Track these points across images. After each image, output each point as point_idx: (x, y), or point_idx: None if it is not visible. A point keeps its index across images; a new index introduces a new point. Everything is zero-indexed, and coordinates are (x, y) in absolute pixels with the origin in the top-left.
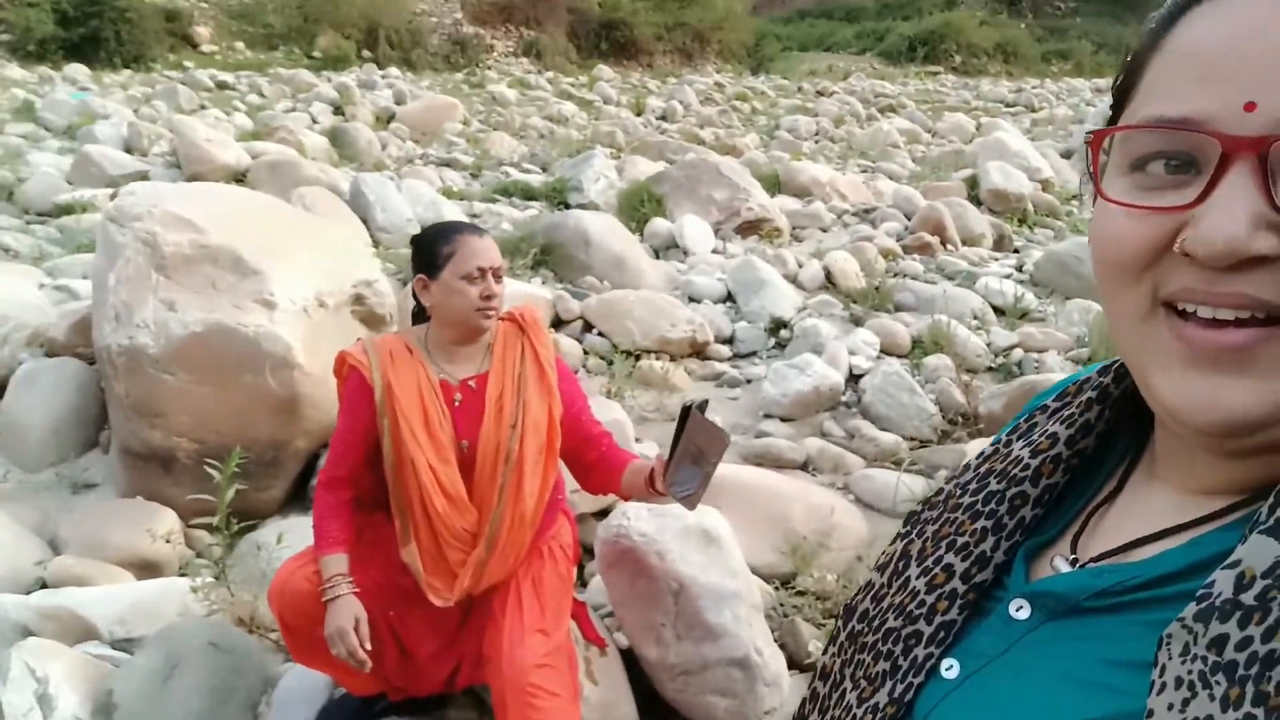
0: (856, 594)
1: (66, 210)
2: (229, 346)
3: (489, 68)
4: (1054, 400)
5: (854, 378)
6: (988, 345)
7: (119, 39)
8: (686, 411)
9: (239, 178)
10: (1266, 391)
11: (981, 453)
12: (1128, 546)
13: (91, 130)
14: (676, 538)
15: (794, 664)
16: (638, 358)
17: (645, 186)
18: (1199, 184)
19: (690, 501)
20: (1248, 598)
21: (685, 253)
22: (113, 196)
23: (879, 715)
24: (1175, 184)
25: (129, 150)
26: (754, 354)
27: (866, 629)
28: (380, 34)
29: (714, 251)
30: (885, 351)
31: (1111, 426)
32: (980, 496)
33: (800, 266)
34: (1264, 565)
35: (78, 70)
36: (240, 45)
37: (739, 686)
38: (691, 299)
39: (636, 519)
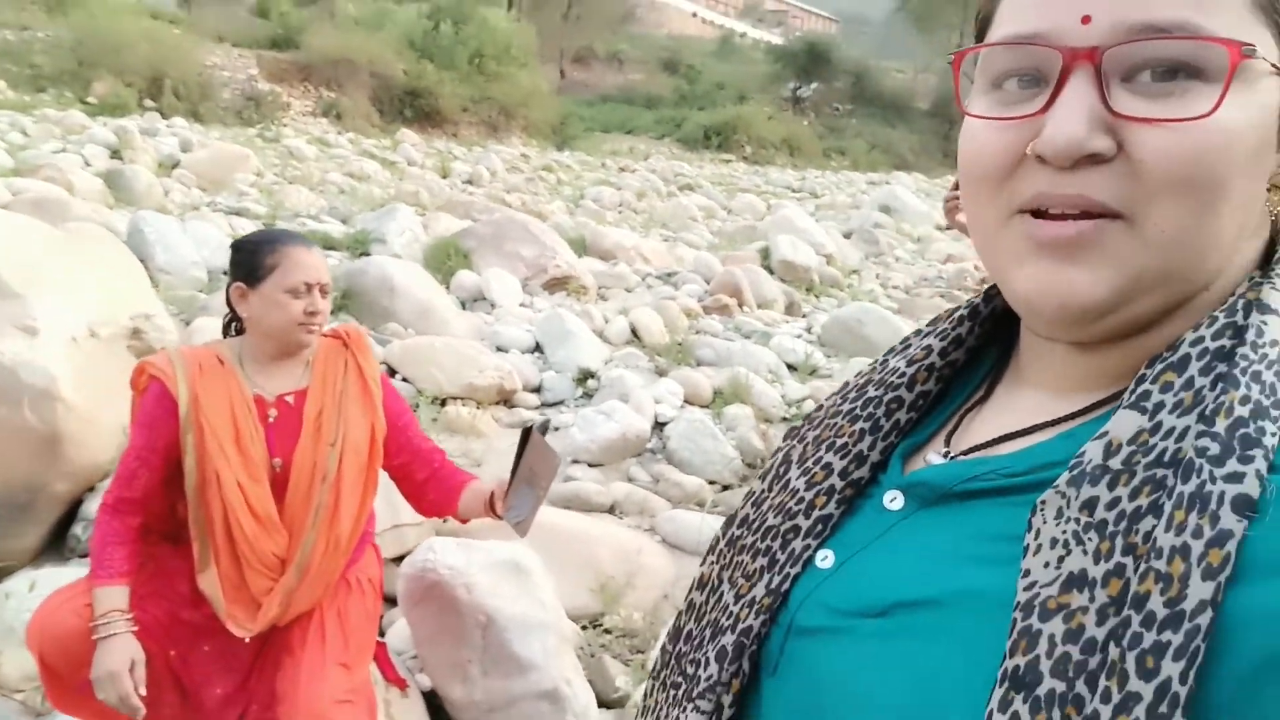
0: (740, 505)
1: None
2: None
3: (285, 125)
4: (929, 325)
5: (659, 425)
6: (782, 397)
7: None
8: (527, 433)
9: None
10: (1103, 278)
11: (860, 370)
12: (998, 440)
13: None
14: (485, 570)
15: (602, 701)
16: (443, 404)
17: (452, 241)
18: (1046, 94)
19: (522, 527)
20: (1115, 463)
21: (493, 305)
22: None
23: (755, 608)
24: (1028, 97)
25: None
26: (561, 402)
27: (746, 532)
28: (166, 84)
29: (521, 305)
30: (689, 401)
31: (981, 342)
32: (859, 403)
33: (606, 321)
34: (1128, 434)
35: None
36: (2, 84)
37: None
38: (499, 348)
39: (444, 552)
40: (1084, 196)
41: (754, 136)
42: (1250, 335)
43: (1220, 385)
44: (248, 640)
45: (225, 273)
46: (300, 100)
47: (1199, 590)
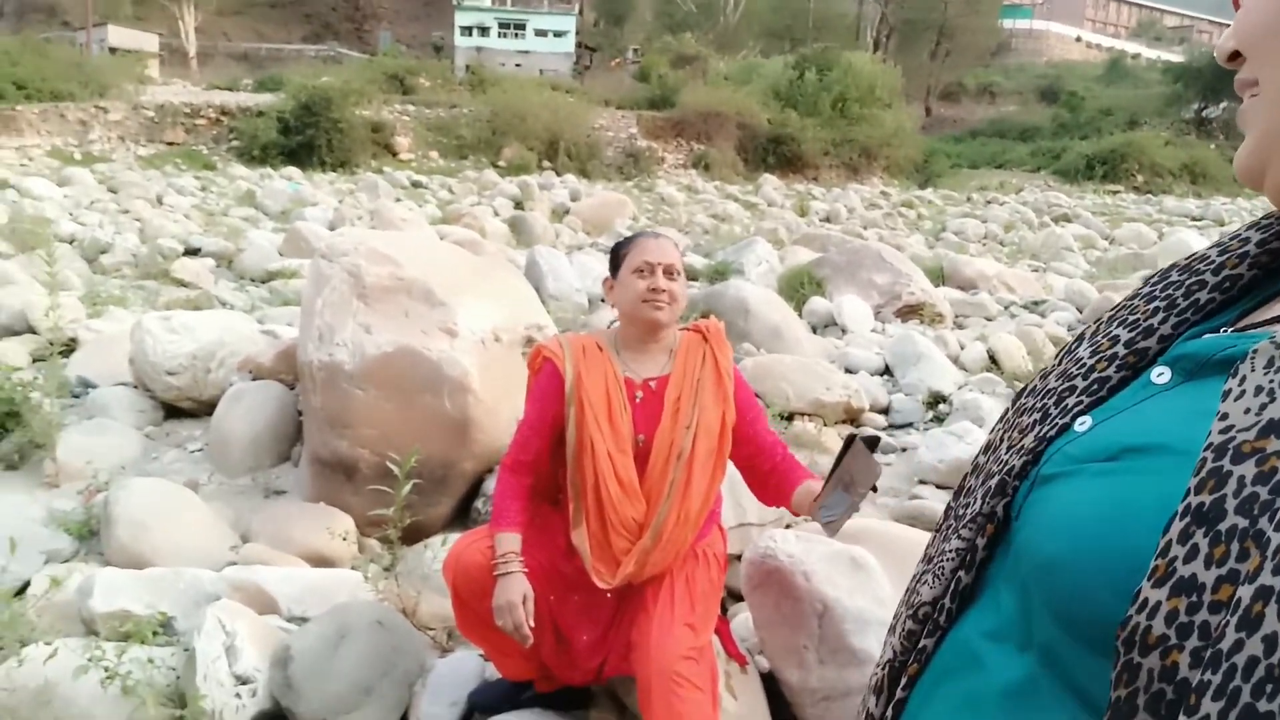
0: (1031, 378)
1: (276, 275)
2: (414, 367)
3: (659, 177)
4: (1262, 217)
5: None
6: None
7: (330, 146)
8: (850, 440)
9: None
10: (1250, 144)
11: (1174, 262)
12: (1276, 319)
13: (302, 213)
14: (824, 561)
15: None
16: (790, 419)
17: (806, 269)
18: None
19: (832, 527)
20: None
21: (843, 330)
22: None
23: (1022, 455)
24: None
25: (332, 228)
26: (910, 424)
27: (1031, 399)
28: (560, 146)
29: (872, 331)
30: None
31: None
32: (1159, 286)
33: (962, 348)
34: None
35: (291, 171)
36: (434, 154)
37: None
38: (848, 369)
39: (784, 541)
40: (1240, 79)
41: (1147, 164)
42: None
43: None
44: (609, 594)
45: (602, 300)
46: (673, 154)
47: None
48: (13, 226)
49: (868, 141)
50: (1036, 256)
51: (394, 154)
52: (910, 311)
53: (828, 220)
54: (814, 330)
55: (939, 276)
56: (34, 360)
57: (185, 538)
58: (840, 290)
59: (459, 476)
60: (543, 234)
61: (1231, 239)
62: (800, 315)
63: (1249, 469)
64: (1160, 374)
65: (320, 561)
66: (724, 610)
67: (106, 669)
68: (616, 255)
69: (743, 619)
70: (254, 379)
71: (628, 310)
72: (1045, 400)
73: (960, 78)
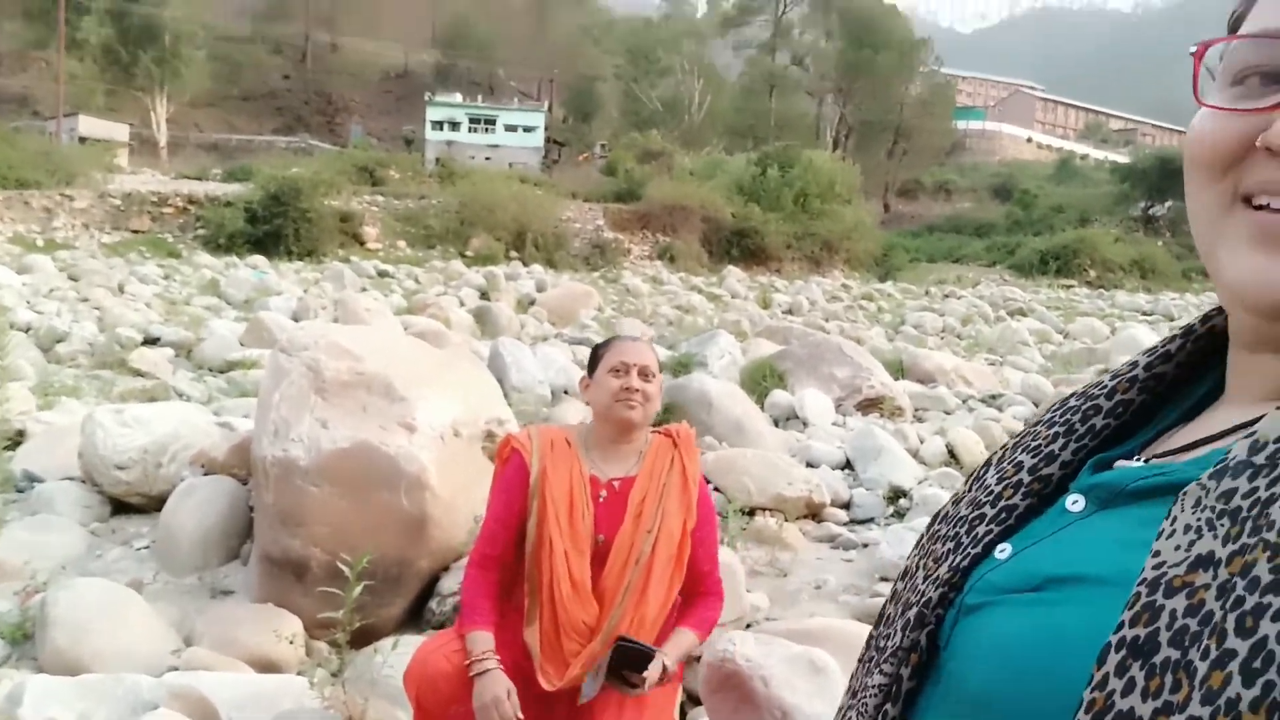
0: (945, 504)
1: (236, 365)
2: (370, 463)
3: (625, 268)
4: (1146, 348)
5: None
6: None
7: (297, 235)
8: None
9: None
10: None
11: (1072, 389)
12: (1185, 449)
13: (265, 302)
14: (783, 664)
15: None
16: (752, 514)
17: (768, 362)
18: None
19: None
20: (1259, 458)
21: (805, 423)
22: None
23: (938, 585)
24: (1267, 93)
25: (296, 319)
26: (871, 520)
27: (943, 525)
28: (528, 237)
29: (834, 424)
30: None
31: (1195, 360)
32: (1059, 412)
33: (922, 442)
34: (1276, 432)
35: (258, 259)
36: (402, 244)
37: None
38: (809, 463)
39: (742, 643)
40: None
41: (1099, 259)
42: None
43: None
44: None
45: (566, 391)
46: (639, 245)
47: None
48: None
49: (829, 235)
50: (993, 350)
51: (361, 243)
52: (871, 405)
53: (790, 312)
54: (776, 423)
55: (899, 370)
56: None
57: (125, 641)
58: (802, 383)
59: (414, 575)
60: (508, 325)
61: (1124, 364)
62: (762, 408)
63: (1180, 602)
64: (1075, 502)
65: (266, 666)
66: (682, 716)
67: None
68: (595, 356)
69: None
70: (206, 474)
71: (601, 409)
72: (957, 529)
73: (917, 175)
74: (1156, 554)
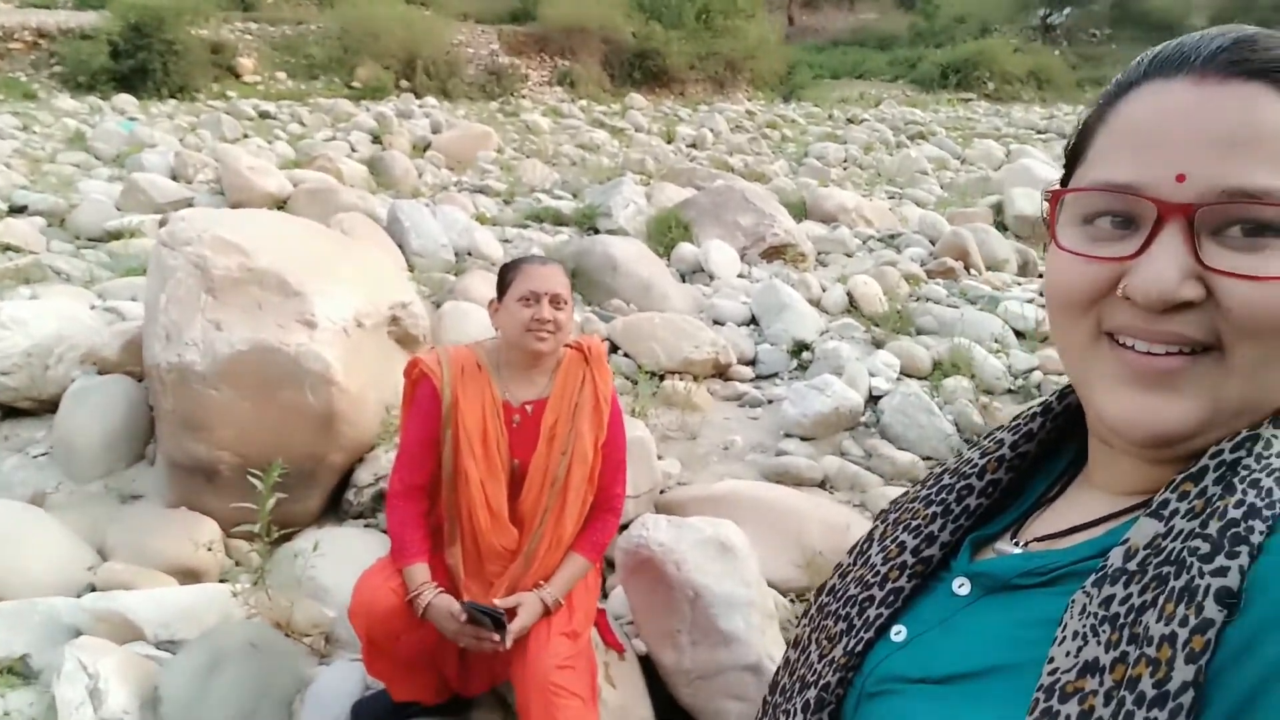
0: (830, 576)
1: (116, 236)
2: (272, 364)
3: (524, 96)
4: (1009, 421)
5: (873, 399)
6: (1008, 368)
7: (166, 70)
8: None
9: (280, 204)
10: (1191, 409)
11: (943, 462)
12: (1058, 535)
13: (139, 159)
14: (694, 548)
15: None
16: (662, 378)
17: (673, 213)
18: (1138, 239)
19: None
20: (1132, 565)
21: (711, 277)
22: (161, 223)
23: (834, 667)
24: (1119, 237)
25: (175, 178)
26: (776, 375)
27: (832, 600)
28: (418, 65)
29: (739, 276)
30: (905, 373)
31: (1054, 437)
32: (934, 489)
33: (824, 290)
34: (1145, 540)
35: (126, 101)
36: (282, 75)
37: (751, 691)
38: (716, 321)
39: (655, 529)
40: (1175, 333)
41: (997, 72)
42: (1258, 447)
43: (1223, 492)
44: None
45: (469, 253)
46: (537, 71)
47: (1182, 673)
48: None
49: (732, 54)
50: (893, 181)
51: (237, 76)
52: (775, 253)
53: (694, 146)
54: (682, 278)
55: (801, 210)
56: None
57: (37, 562)
58: (707, 233)
59: (327, 470)
60: (404, 175)
61: (987, 439)
62: (669, 262)
63: (1073, 708)
64: (960, 585)
65: (187, 575)
66: (603, 592)
67: None
68: (503, 278)
69: (619, 594)
70: (99, 373)
71: (512, 338)
72: (848, 609)
73: None
74: (1051, 660)
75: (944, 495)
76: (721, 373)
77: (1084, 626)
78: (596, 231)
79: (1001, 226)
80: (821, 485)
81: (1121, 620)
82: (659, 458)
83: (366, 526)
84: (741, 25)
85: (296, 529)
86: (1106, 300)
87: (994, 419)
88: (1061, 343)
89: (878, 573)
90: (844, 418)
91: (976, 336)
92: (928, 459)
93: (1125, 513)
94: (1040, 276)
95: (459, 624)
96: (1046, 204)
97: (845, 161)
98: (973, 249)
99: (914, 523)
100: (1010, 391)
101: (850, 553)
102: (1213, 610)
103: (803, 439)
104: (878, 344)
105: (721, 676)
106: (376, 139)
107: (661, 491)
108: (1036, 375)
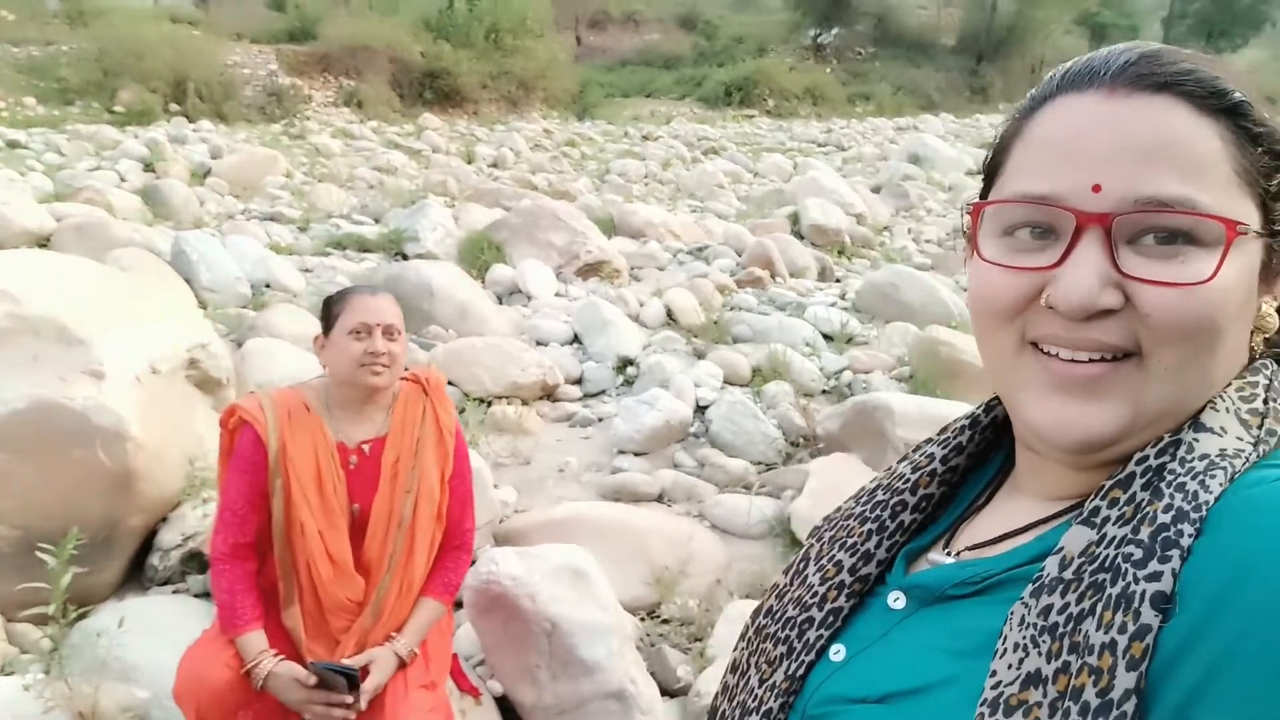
0: (764, 596)
1: None
2: (55, 422)
3: (308, 118)
4: (937, 434)
5: (700, 409)
6: (820, 370)
7: None
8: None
9: (43, 242)
10: (1115, 414)
11: (875, 476)
12: (989, 543)
13: None
14: (547, 578)
15: (665, 690)
16: (489, 404)
17: (484, 234)
18: (1058, 248)
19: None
20: (1068, 574)
21: (529, 297)
22: None
23: (776, 692)
24: (1039, 247)
25: None
26: (603, 392)
27: (770, 622)
28: (189, 86)
29: (557, 295)
30: (728, 382)
31: (983, 449)
32: (868, 506)
33: (642, 305)
34: (1080, 548)
35: None
36: (31, 101)
37: (616, 719)
38: (539, 342)
39: (505, 562)
40: (1097, 340)
41: (776, 89)
42: (1181, 451)
43: (1151, 497)
44: None
45: (268, 285)
46: (321, 91)
47: (1124, 680)
48: None
49: (524, 74)
50: (693, 195)
51: None
52: (590, 270)
53: (495, 166)
54: (500, 300)
55: (610, 227)
56: None
57: None
58: (521, 253)
59: (127, 535)
60: (184, 205)
61: (916, 452)
62: (484, 285)
63: None
64: (896, 599)
65: None
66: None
67: None
68: (329, 310)
69: (466, 631)
70: None
71: (343, 375)
72: (788, 631)
73: (605, 5)
74: (993, 673)
75: (878, 511)
76: (550, 394)
77: (1024, 638)
78: (405, 257)
79: (799, 235)
80: (659, 499)
81: (1061, 630)
82: (495, 486)
83: (176, 593)
84: (531, 45)
85: (94, 604)
86: (1030, 310)
87: (814, 419)
88: (987, 353)
89: (816, 593)
90: (674, 430)
91: (790, 342)
92: (757, 463)
93: (1054, 518)
94: (837, 281)
95: (307, 690)
96: (967, 217)
97: (646, 177)
98: (777, 258)
99: (850, 540)
100: (825, 392)
101: (785, 572)
102: (1149, 616)
103: (636, 454)
104: (699, 355)
105: (585, 708)
106: (149, 167)
107: (500, 521)
108: (847, 375)
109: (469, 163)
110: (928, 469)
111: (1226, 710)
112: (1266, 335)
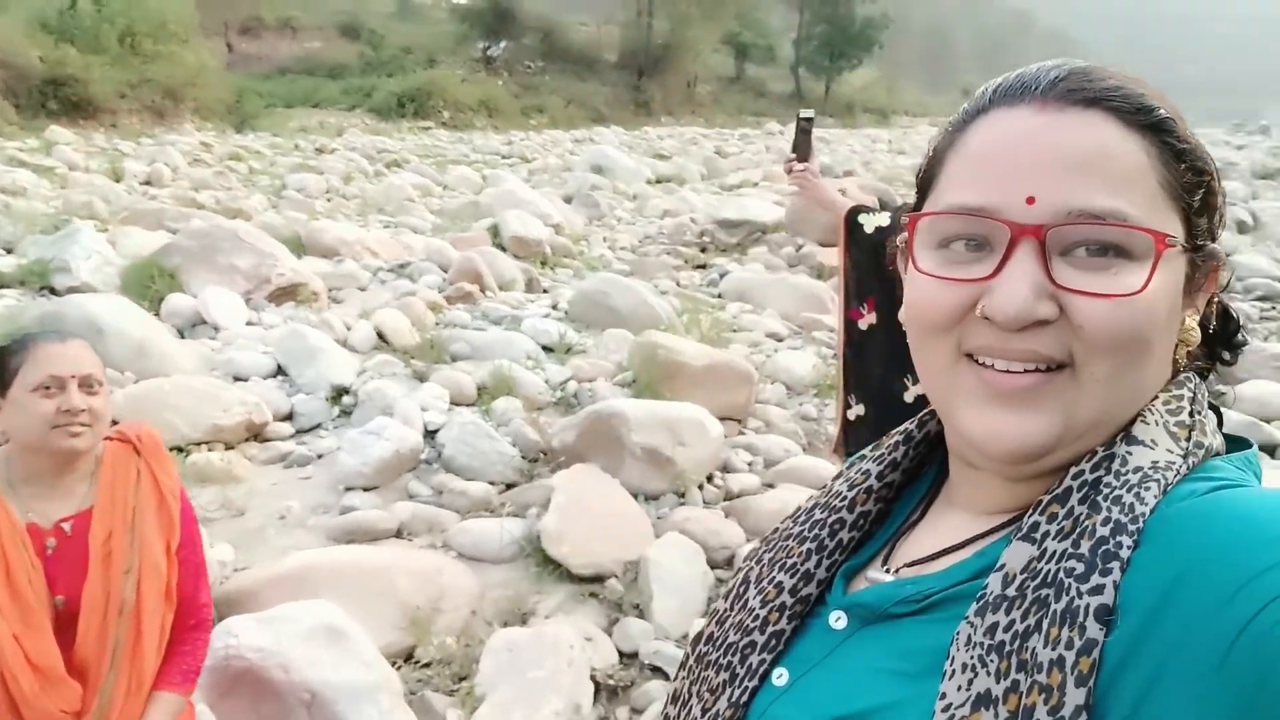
0: (706, 622)
1: None
2: None
3: None
4: (871, 450)
5: (430, 433)
6: (546, 382)
7: None
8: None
9: None
10: (1048, 424)
11: (810, 494)
12: (927, 559)
13: None
14: (298, 642)
15: None
16: (188, 452)
17: (153, 261)
18: (993, 260)
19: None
20: (1011, 590)
21: (216, 328)
22: None
23: None
24: (974, 259)
25: None
26: (319, 426)
27: (711, 649)
28: None
29: (249, 324)
30: (455, 402)
31: (917, 464)
32: (806, 525)
33: (349, 329)
34: (1021, 564)
35: None
36: None
37: None
38: (237, 378)
39: (245, 632)
40: (1031, 351)
41: (451, 101)
42: (1115, 464)
43: (1089, 511)
44: None
45: None
46: None
47: (1074, 697)
48: None
49: (169, 82)
50: (383, 210)
51: None
52: (284, 294)
53: (149, 184)
54: (181, 334)
55: (299, 247)
56: None
57: None
58: (200, 280)
59: None
60: None
61: (853, 470)
62: (160, 318)
63: None
64: (837, 619)
65: None
66: None
67: None
68: (4, 365)
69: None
70: None
71: (30, 440)
72: (730, 657)
73: (257, 10)
74: (943, 695)
75: (817, 530)
76: (258, 434)
77: (972, 658)
78: (55, 291)
79: (501, 247)
80: (398, 534)
81: (1008, 648)
82: (210, 546)
83: None
84: (176, 51)
85: None
86: (966, 321)
87: (548, 432)
88: (923, 364)
89: (757, 616)
90: (405, 459)
91: (512, 356)
92: (497, 484)
93: (991, 533)
94: (545, 292)
95: None
96: (904, 229)
97: (328, 192)
98: (485, 271)
99: (789, 561)
100: (554, 404)
101: (725, 597)
102: (1094, 629)
103: (366, 489)
104: (420, 377)
105: None
106: None
107: (220, 584)
108: (572, 385)
109: (117, 180)
110: (864, 485)
111: (1169, 716)
112: (1189, 348)
